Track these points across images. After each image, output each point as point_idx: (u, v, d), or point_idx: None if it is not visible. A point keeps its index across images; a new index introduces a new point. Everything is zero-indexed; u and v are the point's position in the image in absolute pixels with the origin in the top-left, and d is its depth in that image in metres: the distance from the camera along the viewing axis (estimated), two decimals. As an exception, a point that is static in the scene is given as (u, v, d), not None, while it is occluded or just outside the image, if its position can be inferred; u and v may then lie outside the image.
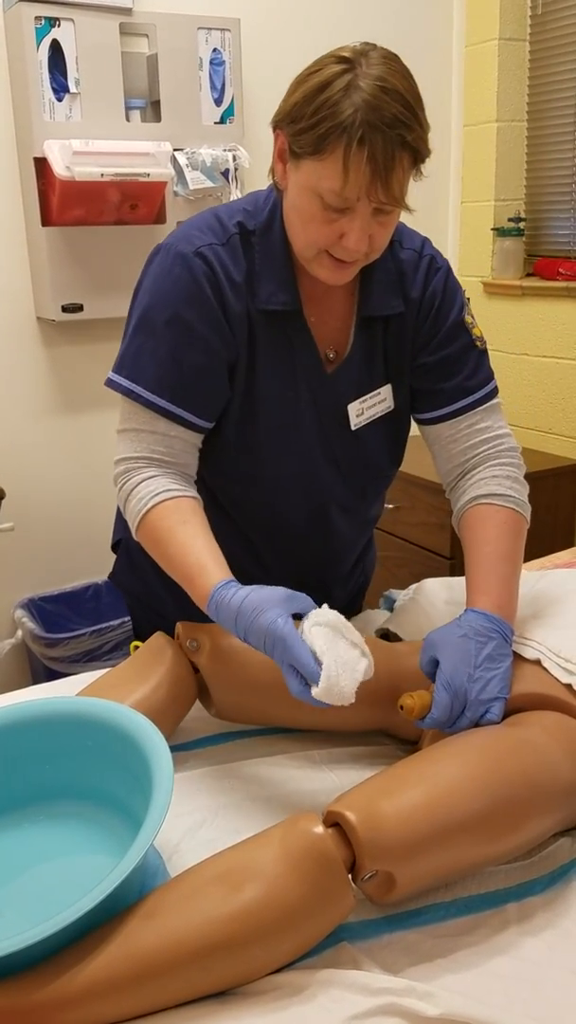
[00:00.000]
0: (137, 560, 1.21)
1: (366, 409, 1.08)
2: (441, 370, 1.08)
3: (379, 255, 0.97)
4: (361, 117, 0.82)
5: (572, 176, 2.37)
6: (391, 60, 0.87)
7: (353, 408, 1.07)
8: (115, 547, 1.29)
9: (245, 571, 0.94)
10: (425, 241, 1.09)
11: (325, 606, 0.84)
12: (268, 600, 0.83)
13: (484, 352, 1.10)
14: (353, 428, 1.08)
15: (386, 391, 1.09)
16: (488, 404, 1.09)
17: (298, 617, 0.84)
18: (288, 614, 0.82)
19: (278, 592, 0.84)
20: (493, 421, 1.10)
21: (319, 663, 0.78)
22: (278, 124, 0.91)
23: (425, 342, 1.08)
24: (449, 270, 1.09)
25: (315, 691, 0.77)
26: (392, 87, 0.84)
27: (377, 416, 1.09)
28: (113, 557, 1.30)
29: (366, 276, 1.03)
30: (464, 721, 0.88)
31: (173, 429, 0.99)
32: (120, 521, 1.27)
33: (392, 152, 0.84)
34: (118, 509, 1.27)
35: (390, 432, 1.12)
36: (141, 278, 1.02)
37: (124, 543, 1.26)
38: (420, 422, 1.13)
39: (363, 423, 1.08)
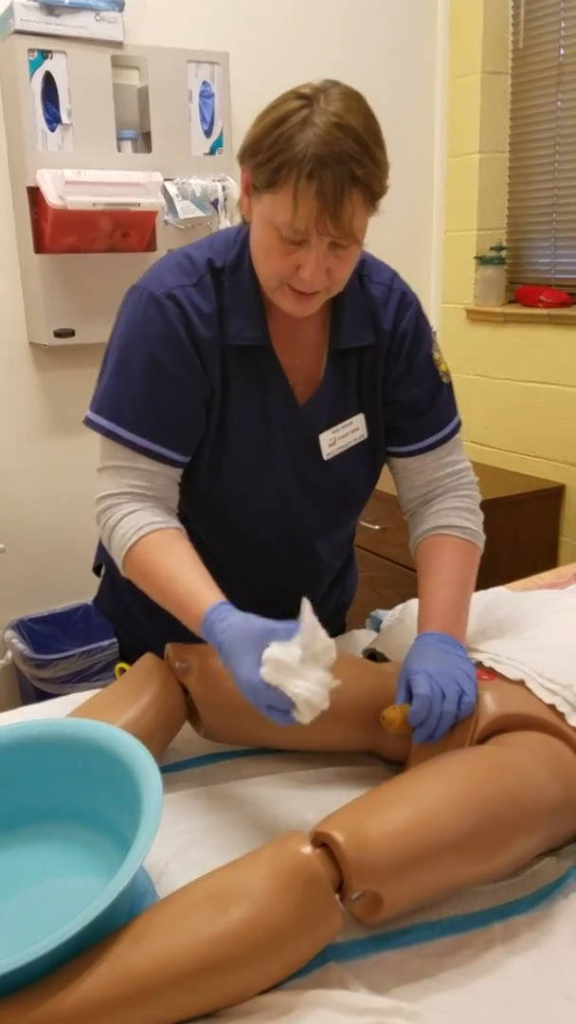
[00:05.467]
0: (118, 586, 1.22)
1: (338, 439, 1.09)
2: (412, 409, 1.10)
3: (341, 288, 0.98)
4: (312, 152, 0.83)
5: (552, 206, 2.42)
6: (350, 97, 0.87)
7: (325, 438, 1.08)
8: (96, 570, 1.30)
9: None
10: (394, 276, 1.10)
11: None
12: (242, 647, 0.82)
13: (450, 386, 1.13)
14: (325, 458, 1.09)
15: (359, 420, 1.10)
16: (453, 439, 1.13)
17: None
18: (259, 663, 0.80)
19: (250, 635, 0.82)
20: (457, 455, 1.14)
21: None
22: (241, 158, 0.92)
23: (396, 379, 1.09)
24: (419, 307, 1.11)
25: (299, 718, 0.80)
26: (346, 123, 0.84)
27: (351, 445, 1.10)
28: (99, 580, 1.31)
29: (337, 309, 1.04)
30: (449, 705, 0.90)
31: (153, 465, 1.00)
32: (102, 546, 1.27)
33: (341, 187, 0.84)
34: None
35: (365, 460, 1.13)
36: (117, 318, 1.03)
37: (107, 568, 1.26)
38: (388, 454, 1.15)
39: (335, 452, 1.09)
